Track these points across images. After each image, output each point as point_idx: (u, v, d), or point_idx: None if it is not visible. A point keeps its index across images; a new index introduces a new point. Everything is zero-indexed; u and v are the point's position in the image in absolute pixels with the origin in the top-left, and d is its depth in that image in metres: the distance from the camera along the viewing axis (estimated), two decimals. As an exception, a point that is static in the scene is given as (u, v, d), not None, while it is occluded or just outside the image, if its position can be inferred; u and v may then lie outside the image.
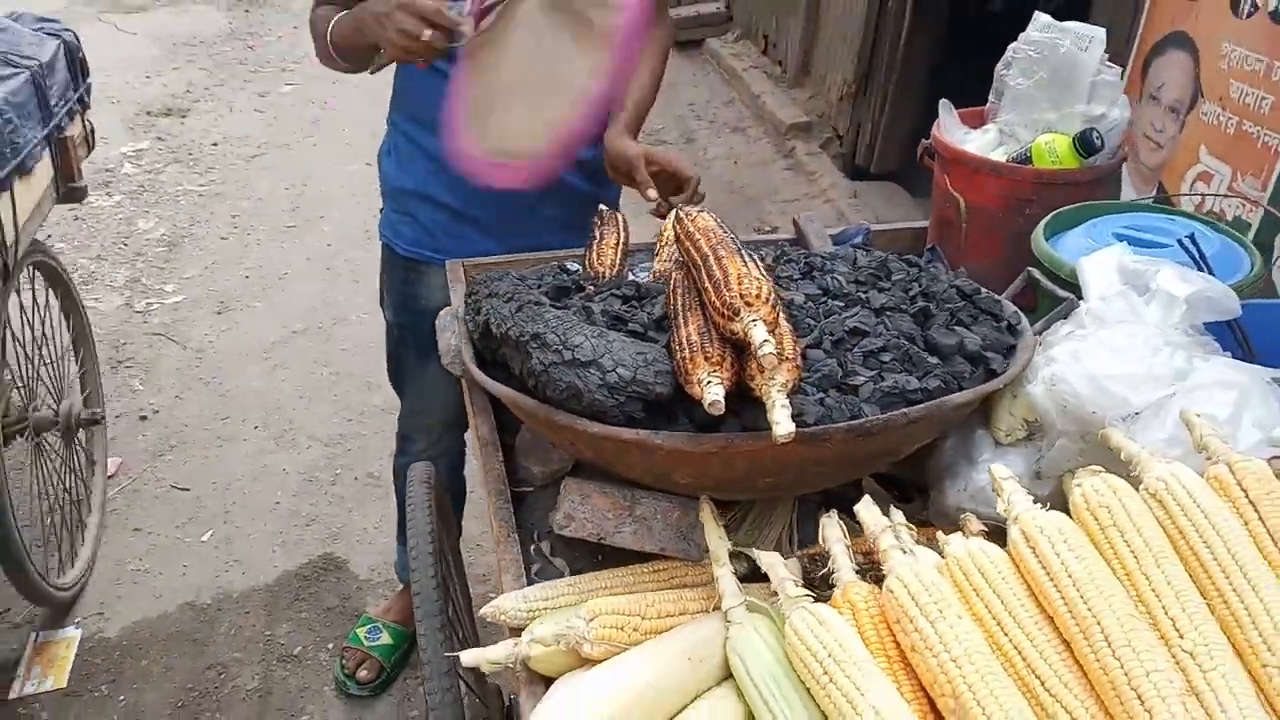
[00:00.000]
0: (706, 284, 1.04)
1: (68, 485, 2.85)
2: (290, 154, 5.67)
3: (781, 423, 0.94)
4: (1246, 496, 0.95)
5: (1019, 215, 1.68)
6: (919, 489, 1.34)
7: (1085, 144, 1.65)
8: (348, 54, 1.85)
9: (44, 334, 2.83)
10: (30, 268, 2.70)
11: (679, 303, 1.10)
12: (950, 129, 1.81)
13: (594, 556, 1.23)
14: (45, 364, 2.81)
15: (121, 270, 4.49)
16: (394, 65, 1.90)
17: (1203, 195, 2.35)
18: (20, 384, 2.68)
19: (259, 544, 3.06)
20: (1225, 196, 2.38)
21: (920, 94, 4.78)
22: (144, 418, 3.58)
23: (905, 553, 0.96)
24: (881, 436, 1.06)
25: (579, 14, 1.46)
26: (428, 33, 1.54)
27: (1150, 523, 0.92)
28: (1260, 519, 0.93)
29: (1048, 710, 0.83)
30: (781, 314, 1.07)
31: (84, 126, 2.78)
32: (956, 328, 1.19)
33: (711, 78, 6.86)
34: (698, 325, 1.04)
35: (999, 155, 1.77)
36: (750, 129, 6.07)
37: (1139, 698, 0.78)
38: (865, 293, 1.25)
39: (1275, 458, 1.01)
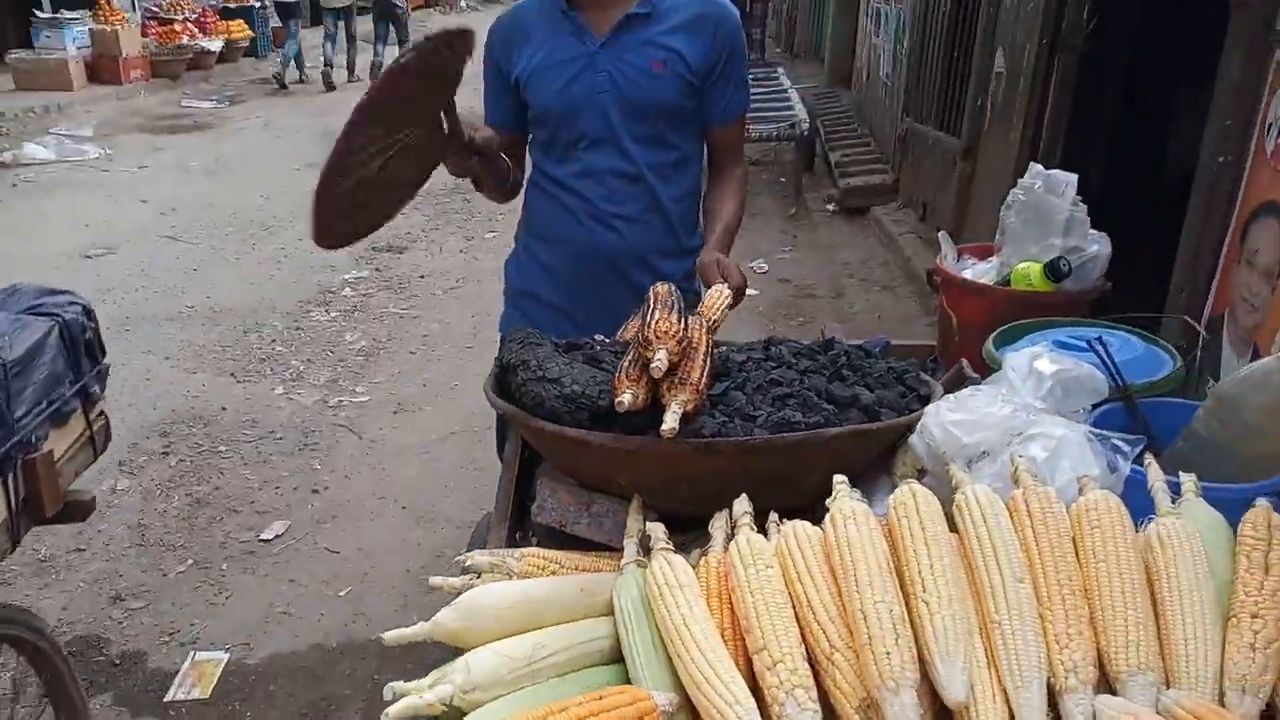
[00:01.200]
0: (640, 325, 1.41)
1: None
2: (481, 288, 6.45)
3: (667, 421, 1.28)
4: (1028, 512, 1.19)
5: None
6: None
7: (1054, 270, 1.91)
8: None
9: None
10: None
11: (630, 345, 1.47)
12: (950, 257, 2.10)
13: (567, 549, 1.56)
14: None
15: (324, 372, 5.29)
16: (524, 193, 2.43)
17: None
18: None
19: (385, 603, 3.52)
20: None
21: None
22: (315, 491, 4.20)
23: (755, 531, 1.26)
24: (769, 455, 1.37)
25: None
26: None
27: (935, 519, 1.17)
28: (1031, 528, 1.17)
29: (814, 634, 1.09)
30: (702, 357, 1.41)
31: (87, 426, 2.11)
32: (857, 387, 1.49)
33: (870, 241, 7.25)
34: (633, 357, 1.41)
35: (989, 281, 2.04)
36: (899, 288, 6.36)
37: (864, 618, 1.04)
38: (799, 361, 1.57)
39: (1082, 477, 1.24)
